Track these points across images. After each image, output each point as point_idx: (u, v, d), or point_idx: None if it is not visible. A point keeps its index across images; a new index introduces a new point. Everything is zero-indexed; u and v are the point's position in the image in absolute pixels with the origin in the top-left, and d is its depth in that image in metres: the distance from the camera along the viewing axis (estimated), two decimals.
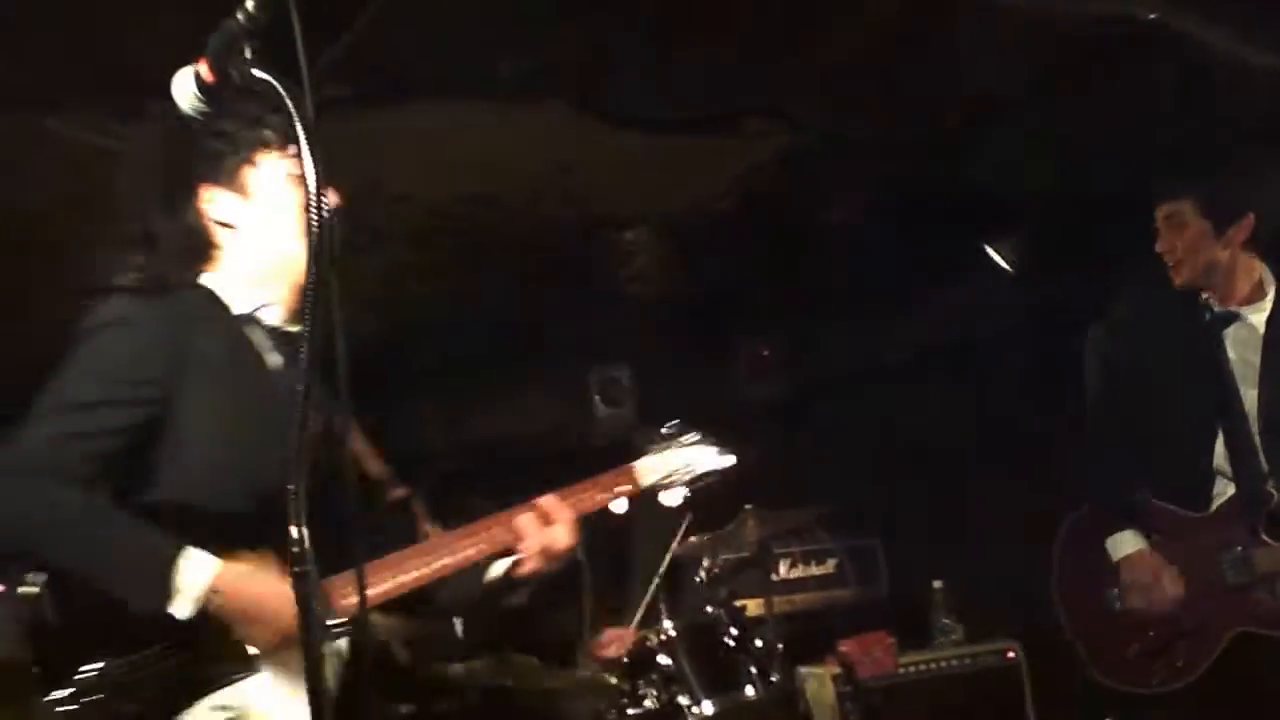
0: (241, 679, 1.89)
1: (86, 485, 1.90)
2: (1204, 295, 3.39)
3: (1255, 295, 3.35)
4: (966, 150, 4.47)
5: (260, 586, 1.89)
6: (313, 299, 1.48)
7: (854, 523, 6.01)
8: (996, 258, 4.94)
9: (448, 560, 2.13)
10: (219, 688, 1.86)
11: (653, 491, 2.38)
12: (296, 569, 1.46)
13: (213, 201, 2.11)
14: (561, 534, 2.17)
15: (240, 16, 1.49)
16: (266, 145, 2.11)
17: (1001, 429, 5.72)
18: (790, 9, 3.52)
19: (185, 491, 1.94)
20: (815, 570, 6.02)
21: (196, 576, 1.84)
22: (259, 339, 2.10)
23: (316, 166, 1.45)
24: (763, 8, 3.48)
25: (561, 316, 5.56)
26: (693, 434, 2.42)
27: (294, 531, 1.46)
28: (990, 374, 5.88)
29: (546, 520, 2.18)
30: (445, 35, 3.29)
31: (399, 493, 2.40)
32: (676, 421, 2.43)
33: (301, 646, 1.47)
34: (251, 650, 1.90)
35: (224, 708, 1.85)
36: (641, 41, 3.55)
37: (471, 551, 2.15)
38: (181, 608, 1.83)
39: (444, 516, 2.39)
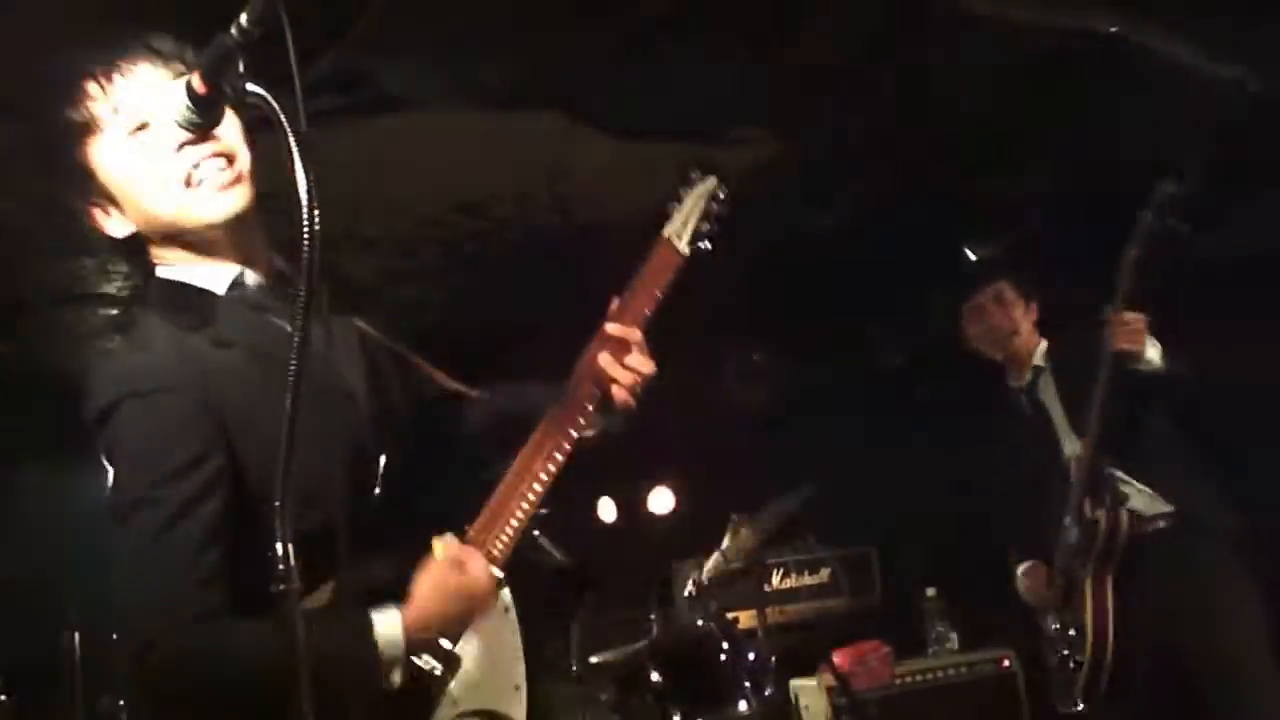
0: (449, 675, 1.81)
1: (224, 601, 1.64)
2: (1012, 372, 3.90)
3: (1033, 345, 3.86)
4: (949, 157, 4.47)
5: (443, 600, 1.78)
6: (304, 313, 1.42)
7: (847, 530, 5.98)
8: (975, 260, 4.95)
9: (566, 440, 2.01)
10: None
11: (697, 249, 2.25)
12: (281, 587, 1.41)
13: (100, 225, 1.85)
14: (640, 359, 2.06)
15: (234, 31, 1.48)
16: (86, 130, 1.78)
17: None
18: (777, 18, 3.50)
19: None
20: (808, 580, 5.97)
21: (394, 637, 1.70)
22: (255, 312, 1.83)
23: (308, 178, 1.41)
24: (750, 17, 3.46)
25: (552, 324, 5.51)
26: (693, 173, 2.31)
27: (278, 548, 1.41)
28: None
29: (623, 348, 2.06)
30: (436, 45, 3.27)
31: (484, 396, 2.22)
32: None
33: (295, 662, 1.42)
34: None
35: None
36: (630, 49, 3.53)
37: (581, 417, 2.03)
38: (396, 677, 1.71)
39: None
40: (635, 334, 2.08)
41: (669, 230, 2.22)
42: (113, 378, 1.71)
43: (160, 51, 1.78)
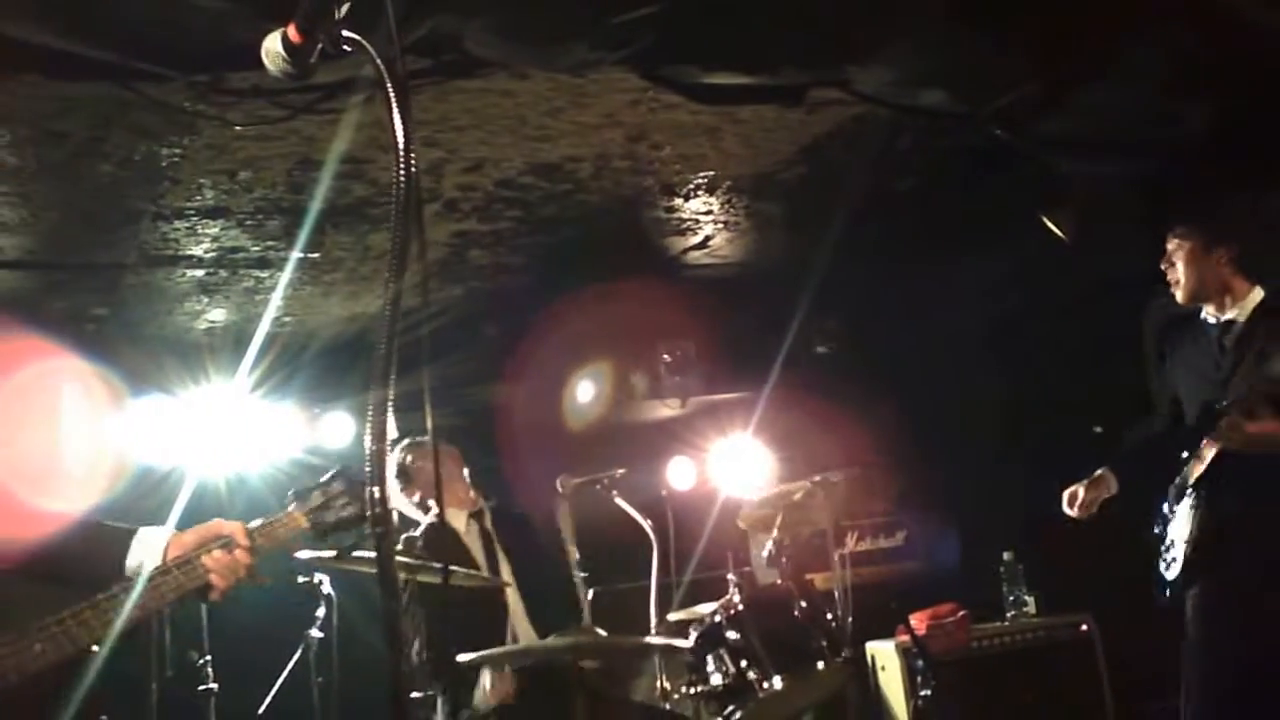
0: None
1: None
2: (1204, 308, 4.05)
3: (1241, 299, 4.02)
4: (1029, 122, 4.41)
5: None
6: (399, 254, 1.45)
7: (924, 493, 5.96)
8: (1053, 228, 4.90)
9: None
10: None
11: None
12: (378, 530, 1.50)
13: None
14: None
15: None
16: None
17: (1073, 393, 5.66)
18: None
19: None
20: (884, 543, 5.98)
21: None
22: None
23: (405, 125, 1.42)
24: None
25: (627, 286, 5.54)
26: None
27: (375, 491, 1.49)
28: (1054, 343, 5.81)
29: None
30: (517, 7, 3.27)
31: None
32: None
33: None
34: None
35: None
36: (709, 11, 3.51)
37: None
38: None
39: None
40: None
41: None
42: None
43: None
